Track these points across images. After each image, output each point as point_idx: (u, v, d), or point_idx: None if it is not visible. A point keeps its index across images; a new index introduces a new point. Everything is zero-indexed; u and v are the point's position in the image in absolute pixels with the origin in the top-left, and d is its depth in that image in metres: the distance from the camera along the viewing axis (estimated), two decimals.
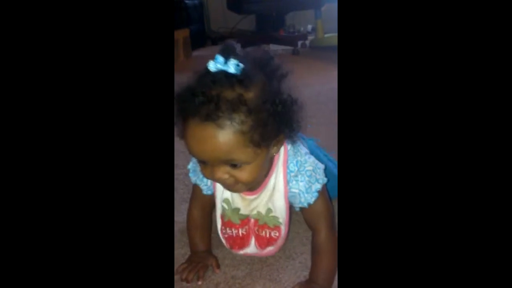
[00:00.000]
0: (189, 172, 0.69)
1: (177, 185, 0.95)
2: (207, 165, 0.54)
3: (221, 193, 0.65)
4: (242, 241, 0.67)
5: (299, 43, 2.59)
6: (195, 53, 2.65)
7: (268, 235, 0.66)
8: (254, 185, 0.61)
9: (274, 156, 0.60)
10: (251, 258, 0.71)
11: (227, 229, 0.67)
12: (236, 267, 0.69)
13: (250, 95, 0.50)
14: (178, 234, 0.78)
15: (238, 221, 0.66)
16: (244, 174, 0.54)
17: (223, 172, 0.54)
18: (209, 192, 0.68)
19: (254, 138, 0.51)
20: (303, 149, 0.64)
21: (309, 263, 0.68)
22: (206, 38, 3.03)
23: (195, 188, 0.70)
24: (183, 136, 0.54)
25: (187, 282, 0.65)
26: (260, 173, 0.57)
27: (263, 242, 0.67)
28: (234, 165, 0.53)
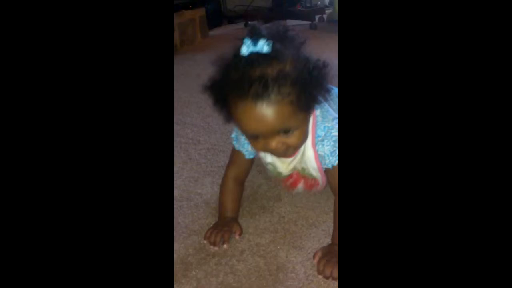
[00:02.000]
0: (233, 140, 0.74)
1: (200, 159, 0.97)
2: (259, 139, 0.59)
3: (264, 159, 0.72)
4: (292, 185, 0.75)
5: (317, 17, 2.54)
6: (212, 32, 2.64)
7: (311, 182, 0.73)
8: (297, 151, 0.66)
9: None
10: (274, 226, 0.73)
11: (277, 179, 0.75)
12: (259, 235, 0.71)
13: (287, 67, 0.55)
14: (203, 204, 0.80)
15: (283, 178, 0.74)
16: (294, 139, 0.60)
17: (277, 142, 0.59)
18: (251, 156, 0.74)
19: (301, 105, 0.56)
20: (331, 114, 0.66)
21: (331, 231, 0.70)
22: (222, 17, 3.00)
23: (235, 155, 0.75)
24: (233, 118, 0.59)
25: (214, 245, 0.68)
26: (306, 135, 0.63)
27: (309, 185, 0.74)
28: (286, 133, 0.58)
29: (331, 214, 0.74)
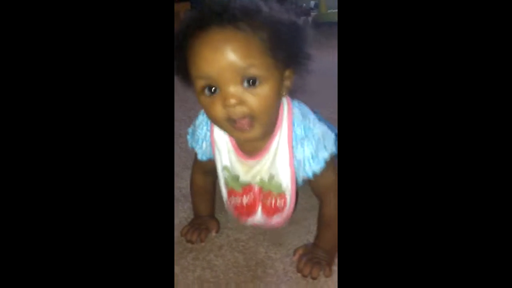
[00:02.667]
0: (188, 135, 0.67)
1: (180, 153, 0.94)
2: (217, 94, 0.50)
3: (221, 161, 0.63)
4: (248, 210, 0.64)
5: (302, 19, 2.54)
6: None
7: (273, 204, 0.62)
8: (263, 133, 0.55)
9: (280, 105, 0.57)
10: None
11: (232, 197, 0.65)
12: (239, 231, 0.69)
13: (265, 8, 0.50)
14: (182, 198, 0.78)
15: (239, 189, 0.63)
16: (259, 98, 0.50)
17: (238, 94, 0.49)
18: (204, 158, 0.64)
19: (271, 48, 0.49)
20: (312, 115, 0.60)
21: (312, 228, 0.69)
22: None
23: (195, 156, 0.69)
24: (191, 54, 0.50)
25: (191, 243, 0.66)
26: (271, 108, 0.53)
27: (270, 211, 0.63)
28: (250, 84, 0.49)
29: (314, 212, 0.73)
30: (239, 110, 0.50)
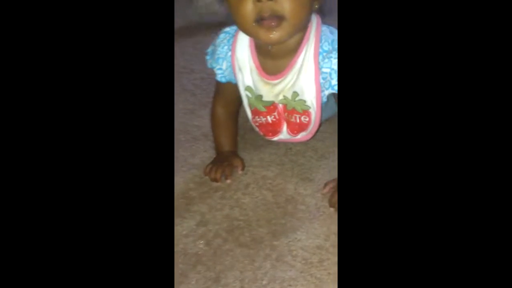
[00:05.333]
0: (207, 55, 0.65)
1: (195, 90, 0.89)
2: None
3: (243, 81, 0.61)
4: (274, 128, 0.64)
5: None
6: None
7: (298, 121, 0.62)
8: (290, 36, 0.55)
9: (310, 20, 0.57)
10: (281, 158, 0.68)
11: (257, 117, 0.65)
12: (265, 168, 0.66)
13: None
14: (202, 137, 0.74)
15: (263, 108, 0.62)
16: (288, 2, 0.50)
17: None
18: (223, 80, 0.64)
19: None
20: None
21: None
22: None
23: (218, 84, 0.66)
24: None
25: (216, 181, 0.63)
26: (302, 11, 0.53)
27: (294, 128, 0.63)
28: None
29: None
30: (271, 6, 0.50)
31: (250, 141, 0.72)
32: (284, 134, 0.65)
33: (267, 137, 0.66)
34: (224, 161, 0.65)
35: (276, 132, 0.65)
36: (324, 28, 0.58)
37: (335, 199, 0.57)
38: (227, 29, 0.63)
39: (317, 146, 0.69)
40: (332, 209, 0.57)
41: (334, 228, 0.54)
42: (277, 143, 0.70)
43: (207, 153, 0.70)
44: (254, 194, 0.61)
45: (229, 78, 0.63)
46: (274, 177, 0.64)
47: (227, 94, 0.66)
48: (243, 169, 0.65)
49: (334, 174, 0.63)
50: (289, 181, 0.63)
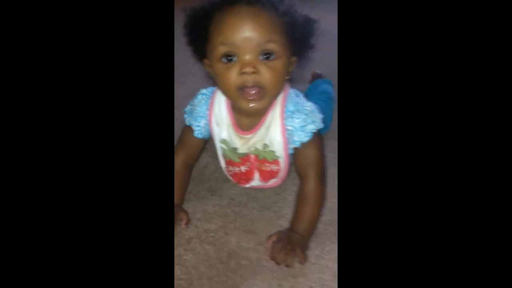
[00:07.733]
0: (185, 114, 0.68)
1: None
2: (234, 62, 0.56)
3: (219, 135, 0.66)
4: (247, 176, 0.69)
5: None
6: None
7: (269, 169, 0.67)
8: (268, 106, 0.62)
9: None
10: (224, 210, 0.68)
11: (231, 167, 0.69)
12: (208, 221, 0.66)
13: (287, 1, 0.58)
14: None
15: (238, 159, 0.67)
16: (271, 71, 0.56)
17: (254, 63, 0.55)
18: (200, 136, 0.67)
19: (288, 31, 0.56)
20: (303, 98, 0.65)
21: (283, 212, 0.67)
22: None
23: (185, 135, 0.69)
24: (216, 24, 0.56)
25: None
26: (280, 82, 0.59)
27: (266, 176, 0.69)
28: (266, 58, 0.55)
29: (283, 194, 0.72)
30: (254, 78, 0.56)
31: (194, 192, 0.72)
32: (256, 182, 0.70)
33: (240, 185, 0.71)
34: None
35: (248, 179, 0.70)
36: (291, 91, 0.64)
37: (276, 253, 0.58)
38: (204, 90, 0.68)
39: (258, 196, 0.70)
40: (273, 263, 0.58)
41: (274, 283, 0.55)
42: (220, 193, 0.70)
43: None
44: (196, 249, 0.61)
45: (205, 134, 0.68)
46: (217, 230, 0.64)
47: (190, 148, 0.69)
48: (187, 223, 0.65)
49: (276, 225, 0.65)
50: (232, 233, 0.64)
